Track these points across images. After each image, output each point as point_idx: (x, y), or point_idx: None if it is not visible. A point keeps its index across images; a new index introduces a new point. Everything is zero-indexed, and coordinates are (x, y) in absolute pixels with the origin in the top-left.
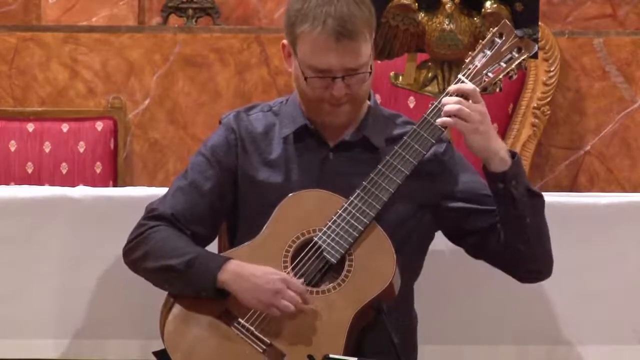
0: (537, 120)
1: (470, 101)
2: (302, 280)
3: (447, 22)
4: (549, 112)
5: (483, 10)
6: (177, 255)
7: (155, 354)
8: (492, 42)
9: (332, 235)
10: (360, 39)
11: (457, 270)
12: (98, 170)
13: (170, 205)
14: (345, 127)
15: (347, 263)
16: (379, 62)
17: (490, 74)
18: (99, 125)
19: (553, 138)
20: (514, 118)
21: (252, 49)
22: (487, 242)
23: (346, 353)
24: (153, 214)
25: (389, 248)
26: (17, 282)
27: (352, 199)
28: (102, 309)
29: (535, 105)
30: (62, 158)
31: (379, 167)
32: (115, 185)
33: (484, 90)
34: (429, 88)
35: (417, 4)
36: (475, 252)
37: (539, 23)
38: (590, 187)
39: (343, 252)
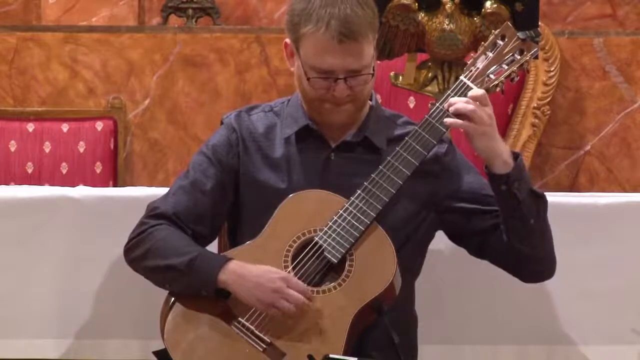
0: (537, 120)
1: (478, 103)
2: (302, 280)
3: (447, 22)
4: (549, 112)
5: (483, 10)
6: (178, 255)
7: (156, 353)
8: (494, 43)
9: (333, 235)
10: (363, 40)
11: (457, 270)
12: (98, 170)
13: (172, 204)
14: (347, 127)
15: (347, 263)
16: (378, 62)
17: (492, 76)
18: (99, 125)
19: (553, 138)
20: (514, 118)
21: (252, 49)
22: (490, 243)
23: (346, 353)
24: (154, 213)
25: (390, 248)
26: (17, 282)
27: (353, 199)
28: (102, 309)
29: (535, 105)
30: (62, 158)
31: (381, 167)
32: (115, 185)
33: (485, 91)
34: (429, 88)
35: (417, 4)
36: (478, 252)
37: (539, 23)
38: (590, 187)
39: (344, 252)
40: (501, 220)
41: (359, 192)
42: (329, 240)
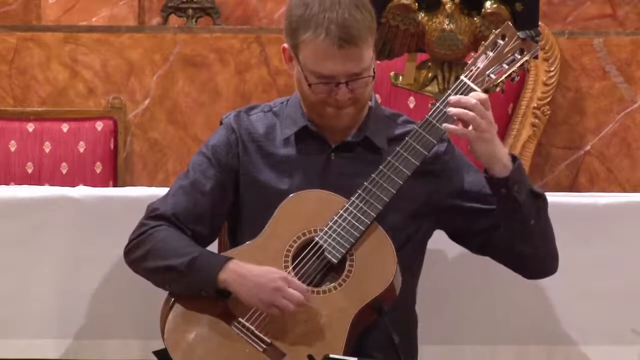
0: (537, 120)
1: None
2: (302, 280)
3: (447, 22)
4: (549, 112)
5: (483, 10)
6: (178, 255)
7: (156, 353)
8: (495, 43)
9: (333, 236)
10: (362, 44)
11: (457, 271)
12: (98, 170)
13: (171, 205)
14: (347, 128)
15: (348, 263)
16: (378, 62)
17: (492, 76)
18: (99, 125)
19: (553, 138)
20: (514, 118)
21: (252, 49)
22: (491, 242)
23: (346, 353)
24: (154, 214)
25: (390, 248)
26: (17, 282)
27: (353, 199)
28: (102, 309)
29: (535, 105)
30: (62, 158)
31: (381, 167)
32: (115, 185)
33: (485, 92)
34: (429, 88)
35: (417, 4)
36: (480, 250)
37: (539, 23)
38: (590, 187)
39: (344, 252)
40: (501, 222)
41: (359, 192)
42: (329, 240)
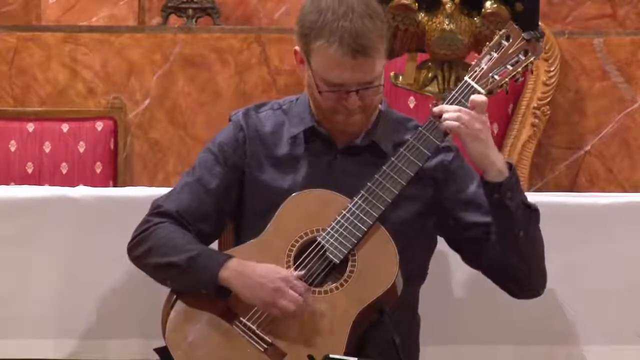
0: (537, 120)
1: (475, 109)
2: (304, 280)
3: (447, 22)
4: (549, 112)
5: (483, 10)
6: (180, 252)
7: (157, 350)
8: (499, 44)
9: (336, 236)
10: (375, 54)
11: (458, 271)
12: (98, 170)
13: (176, 202)
14: (356, 132)
15: (350, 263)
16: None
17: (496, 77)
18: (99, 125)
19: (553, 138)
20: (514, 118)
21: (252, 49)
22: (483, 253)
23: (347, 353)
24: (158, 211)
25: (392, 249)
26: (17, 282)
27: (356, 199)
28: (102, 309)
29: (535, 105)
30: (62, 158)
31: (384, 168)
32: (115, 185)
33: (490, 92)
34: (429, 88)
35: (417, 4)
36: (471, 261)
37: (539, 23)
38: (590, 187)
39: (346, 252)
40: (493, 230)
41: (362, 192)
42: (332, 240)
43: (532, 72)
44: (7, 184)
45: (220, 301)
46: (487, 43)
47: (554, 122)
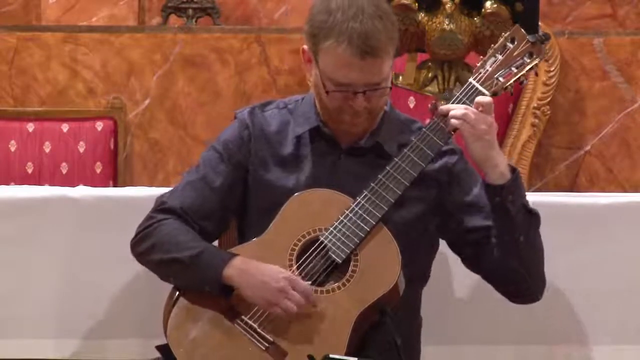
0: (537, 120)
1: (482, 109)
2: (306, 279)
3: (447, 22)
4: (549, 112)
5: (483, 10)
6: (184, 249)
7: (159, 348)
8: (504, 46)
9: (338, 235)
10: (384, 55)
11: (458, 271)
12: (98, 170)
13: (180, 199)
14: (360, 133)
15: (352, 263)
16: None
17: (501, 79)
18: (99, 125)
19: (553, 138)
20: (514, 118)
21: (252, 49)
22: (483, 256)
23: (349, 353)
24: (162, 207)
25: (395, 249)
26: (17, 282)
27: (359, 199)
28: (102, 309)
29: (535, 105)
30: (62, 158)
31: (387, 168)
32: (115, 185)
33: (494, 94)
34: (429, 88)
35: (417, 4)
36: (471, 264)
37: (539, 23)
38: (590, 187)
39: (349, 252)
40: (494, 234)
41: (365, 192)
42: (334, 239)
43: (536, 74)
44: (7, 184)
45: (222, 299)
46: (492, 45)
47: (554, 122)
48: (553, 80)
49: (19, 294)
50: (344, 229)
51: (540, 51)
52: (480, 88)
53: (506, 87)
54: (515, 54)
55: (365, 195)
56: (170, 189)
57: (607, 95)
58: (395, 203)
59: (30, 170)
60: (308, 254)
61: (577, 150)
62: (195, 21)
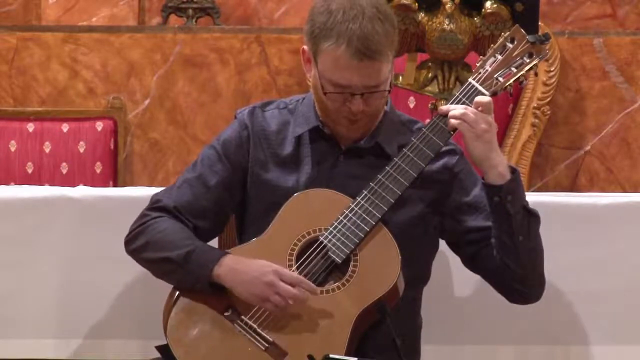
0: (537, 120)
1: (481, 109)
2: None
3: (447, 22)
4: (549, 112)
5: (483, 10)
6: (175, 248)
7: (158, 348)
8: (504, 46)
9: (338, 235)
10: (382, 58)
11: (458, 271)
12: (98, 170)
13: (175, 197)
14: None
15: (352, 263)
16: None
17: (500, 79)
18: (99, 125)
19: (553, 138)
20: (514, 118)
21: (252, 49)
22: (483, 257)
23: (348, 353)
24: (156, 205)
25: (395, 250)
26: (17, 282)
27: (358, 199)
28: (102, 309)
29: (535, 105)
30: (62, 158)
31: (387, 168)
32: (115, 185)
33: (494, 94)
34: (429, 88)
35: (417, 4)
36: (471, 264)
37: (539, 23)
38: (590, 187)
39: (348, 252)
40: (493, 233)
41: (364, 192)
42: (334, 240)
43: (536, 74)
44: (7, 184)
45: (222, 299)
46: (492, 45)
47: (554, 122)
48: (553, 80)
49: (19, 294)
50: (343, 229)
51: (539, 51)
52: (480, 88)
53: (506, 87)
54: (514, 54)
55: (365, 195)
56: (168, 186)
57: (607, 95)
58: (395, 203)
59: (30, 170)
60: (308, 254)
61: (577, 150)
62: (195, 21)
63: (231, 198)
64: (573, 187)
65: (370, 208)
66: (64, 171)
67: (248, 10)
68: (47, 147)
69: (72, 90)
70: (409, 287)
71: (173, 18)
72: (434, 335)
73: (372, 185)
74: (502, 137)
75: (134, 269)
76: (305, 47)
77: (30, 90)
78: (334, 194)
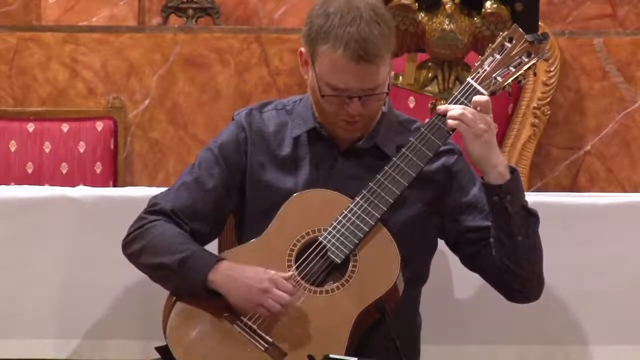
0: (537, 120)
1: (479, 109)
2: (305, 279)
3: (447, 22)
4: (549, 112)
5: (483, 10)
6: (171, 253)
7: (158, 349)
8: (502, 46)
9: (337, 235)
10: (379, 61)
11: (458, 271)
12: (98, 170)
13: (172, 200)
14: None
15: (351, 263)
16: None
17: (499, 78)
18: (99, 125)
19: (553, 138)
20: (514, 118)
21: (252, 49)
22: (482, 256)
23: (348, 353)
24: (154, 209)
25: (394, 250)
26: (17, 282)
27: (357, 199)
28: (102, 309)
29: (535, 105)
30: (62, 158)
31: (386, 168)
32: (115, 185)
33: (492, 94)
34: (429, 88)
35: (417, 4)
36: (470, 264)
37: (539, 23)
38: (590, 187)
39: (348, 252)
40: (492, 233)
41: (363, 192)
42: (333, 240)
43: (535, 74)
44: (7, 184)
45: (221, 300)
46: (490, 45)
47: (554, 122)
48: (553, 80)
49: (19, 294)
50: (343, 230)
51: (538, 51)
52: (479, 87)
53: (504, 87)
54: (513, 53)
55: (364, 196)
56: (166, 189)
57: (607, 95)
58: (394, 203)
59: (30, 170)
60: (307, 254)
61: (577, 150)
62: (195, 21)
63: (229, 201)
64: (573, 187)
65: (369, 208)
66: (64, 171)
67: (248, 10)
68: (47, 147)
69: (72, 90)
70: (408, 287)
71: (173, 18)
72: (434, 335)
73: (371, 185)
74: (502, 137)
75: (134, 269)
76: (302, 49)
77: (30, 90)
78: (333, 195)
